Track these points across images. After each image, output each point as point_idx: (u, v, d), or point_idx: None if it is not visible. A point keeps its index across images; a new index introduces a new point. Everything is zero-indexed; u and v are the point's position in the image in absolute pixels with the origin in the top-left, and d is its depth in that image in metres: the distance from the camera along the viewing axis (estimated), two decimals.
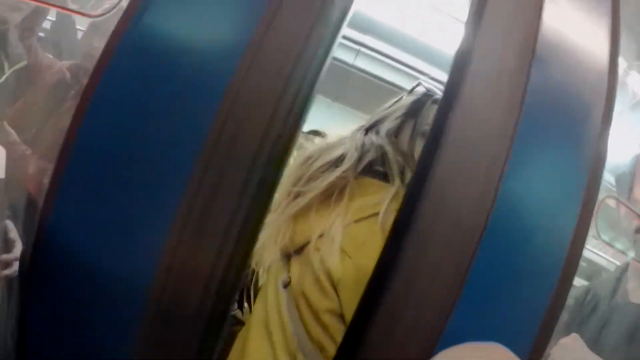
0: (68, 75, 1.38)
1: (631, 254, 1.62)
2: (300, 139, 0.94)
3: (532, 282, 0.78)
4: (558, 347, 1.37)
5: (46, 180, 1.27)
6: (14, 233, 1.22)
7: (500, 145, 0.75)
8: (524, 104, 0.77)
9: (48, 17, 1.52)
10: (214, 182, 0.65)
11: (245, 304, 1.12)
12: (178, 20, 0.73)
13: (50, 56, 1.46)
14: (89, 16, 1.05)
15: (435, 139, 0.75)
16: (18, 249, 1.21)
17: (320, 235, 0.93)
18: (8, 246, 1.21)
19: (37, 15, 1.40)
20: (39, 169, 1.29)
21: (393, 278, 0.71)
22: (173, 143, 0.66)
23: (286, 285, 0.94)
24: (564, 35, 0.88)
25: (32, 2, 1.25)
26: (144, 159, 0.67)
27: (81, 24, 1.39)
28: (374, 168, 0.96)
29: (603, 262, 2.20)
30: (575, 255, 0.79)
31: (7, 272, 1.20)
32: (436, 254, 0.72)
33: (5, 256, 1.21)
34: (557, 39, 0.86)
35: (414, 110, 1.01)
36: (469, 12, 0.84)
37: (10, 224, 1.23)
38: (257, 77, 0.67)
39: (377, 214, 0.91)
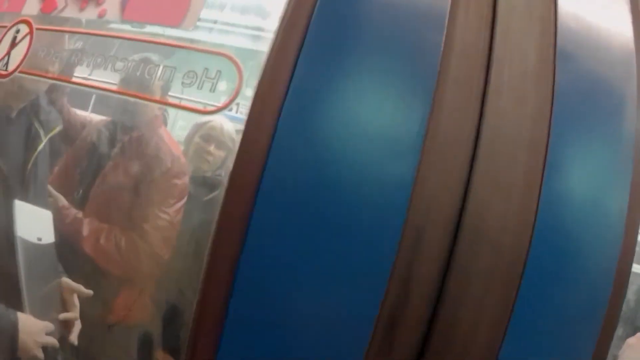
0: (106, 132, 1.39)
1: None
2: None
3: (583, 297, 0.75)
4: (625, 347, 1.34)
5: (102, 241, 1.30)
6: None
7: (534, 158, 0.71)
8: (553, 107, 0.74)
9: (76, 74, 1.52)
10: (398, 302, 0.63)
11: None
12: (335, 116, 0.68)
13: (84, 112, 1.46)
14: (204, 112, 1.01)
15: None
16: (77, 308, 1.23)
17: None
18: (66, 305, 1.23)
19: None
20: (94, 230, 1.31)
21: (439, 313, 0.70)
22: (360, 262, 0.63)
23: None
24: (583, 21, 0.83)
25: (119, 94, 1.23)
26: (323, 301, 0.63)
27: (113, 78, 1.38)
28: None
29: None
30: (626, 262, 0.76)
31: (73, 336, 1.22)
32: (480, 285, 0.70)
33: (63, 315, 1.23)
34: (577, 26, 0.82)
35: None
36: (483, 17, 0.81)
37: (67, 281, 1.25)
38: (433, 185, 0.65)
39: None
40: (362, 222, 0.63)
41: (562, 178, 0.72)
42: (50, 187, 1.33)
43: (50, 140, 1.34)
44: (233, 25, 1.12)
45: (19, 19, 1.28)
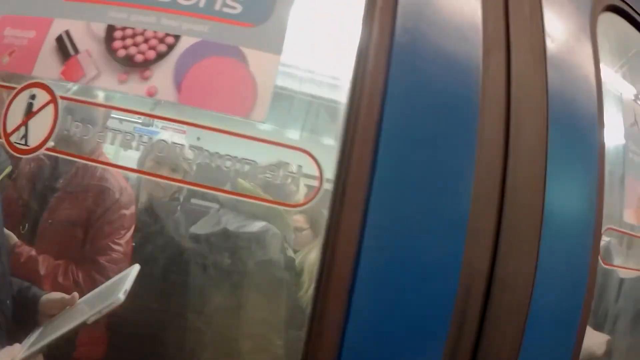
0: (47, 162, 1.34)
1: None
2: None
3: (565, 311, 1.02)
4: None
5: (60, 279, 1.28)
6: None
7: (535, 225, 0.95)
8: (546, 176, 0.96)
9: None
10: None
11: None
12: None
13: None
14: (293, 206, 1.01)
15: None
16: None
17: None
18: None
19: None
20: (49, 268, 1.28)
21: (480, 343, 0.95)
22: None
23: None
24: (568, 92, 1.05)
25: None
26: None
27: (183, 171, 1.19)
28: None
29: None
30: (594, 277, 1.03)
31: None
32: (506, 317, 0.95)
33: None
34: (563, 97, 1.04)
35: None
36: None
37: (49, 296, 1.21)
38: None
39: None
40: (433, 286, 0.89)
41: (554, 234, 0.96)
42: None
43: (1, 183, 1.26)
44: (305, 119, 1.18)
45: (31, 82, 1.07)
